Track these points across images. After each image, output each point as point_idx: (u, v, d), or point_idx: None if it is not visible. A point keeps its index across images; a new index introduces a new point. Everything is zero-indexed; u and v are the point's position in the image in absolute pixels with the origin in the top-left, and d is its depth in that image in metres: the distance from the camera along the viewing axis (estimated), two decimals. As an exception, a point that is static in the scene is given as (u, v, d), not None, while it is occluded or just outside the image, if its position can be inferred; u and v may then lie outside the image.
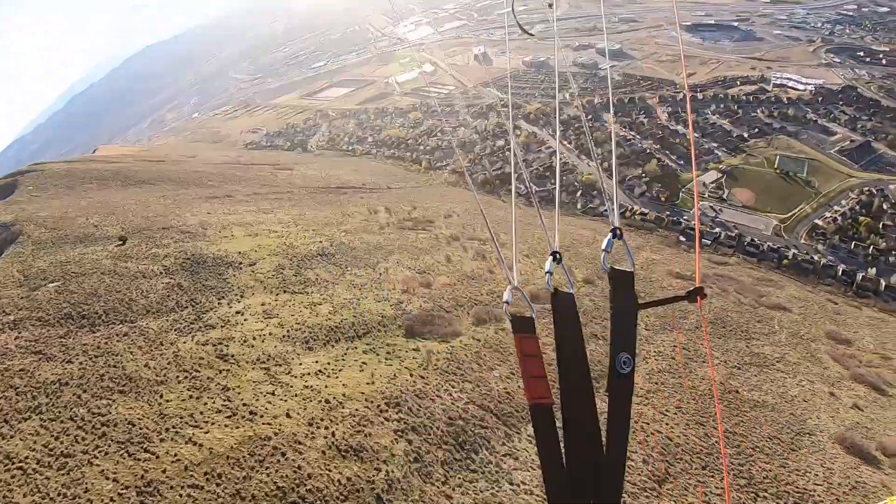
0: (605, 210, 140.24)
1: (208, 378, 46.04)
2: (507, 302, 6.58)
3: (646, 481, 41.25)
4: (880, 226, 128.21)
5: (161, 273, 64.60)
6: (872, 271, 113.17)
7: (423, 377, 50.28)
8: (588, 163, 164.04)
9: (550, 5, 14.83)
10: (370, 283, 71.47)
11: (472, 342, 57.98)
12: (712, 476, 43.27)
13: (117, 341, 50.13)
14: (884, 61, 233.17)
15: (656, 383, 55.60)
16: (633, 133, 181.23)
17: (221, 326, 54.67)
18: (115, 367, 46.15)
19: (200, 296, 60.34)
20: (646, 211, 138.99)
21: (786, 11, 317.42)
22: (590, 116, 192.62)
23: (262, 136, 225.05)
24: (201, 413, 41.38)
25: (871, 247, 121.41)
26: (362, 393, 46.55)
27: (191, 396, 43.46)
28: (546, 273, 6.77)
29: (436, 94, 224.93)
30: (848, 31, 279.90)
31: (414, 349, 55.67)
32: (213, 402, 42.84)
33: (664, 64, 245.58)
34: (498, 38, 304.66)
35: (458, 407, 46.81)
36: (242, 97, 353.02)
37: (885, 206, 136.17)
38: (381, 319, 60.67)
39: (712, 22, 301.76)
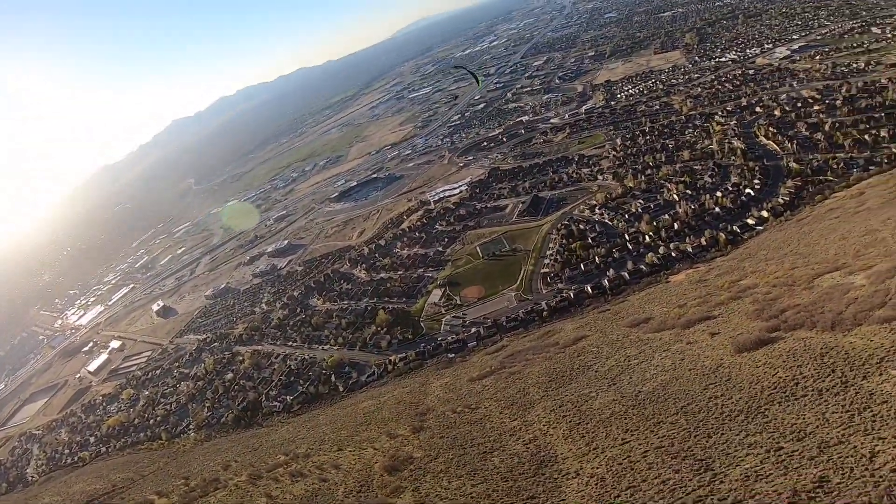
0: (367, 378, 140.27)
1: None
2: None
3: None
4: (589, 240, 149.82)
5: None
6: (612, 272, 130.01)
7: None
8: (322, 348, 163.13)
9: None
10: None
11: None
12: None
13: None
14: (504, 139, 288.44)
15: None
16: (346, 302, 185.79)
17: None
18: None
19: None
20: (403, 355, 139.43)
21: (408, 147, 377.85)
22: (298, 309, 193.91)
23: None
24: None
25: (595, 257, 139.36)
26: None
27: None
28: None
29: (136, 365, 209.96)
30: (463, 134, 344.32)
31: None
32: None
33: (333, 235, 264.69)
34: (171, 286, 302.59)
35: None
36: None
37: (581, 227, 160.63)
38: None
39: (355, 184, 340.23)
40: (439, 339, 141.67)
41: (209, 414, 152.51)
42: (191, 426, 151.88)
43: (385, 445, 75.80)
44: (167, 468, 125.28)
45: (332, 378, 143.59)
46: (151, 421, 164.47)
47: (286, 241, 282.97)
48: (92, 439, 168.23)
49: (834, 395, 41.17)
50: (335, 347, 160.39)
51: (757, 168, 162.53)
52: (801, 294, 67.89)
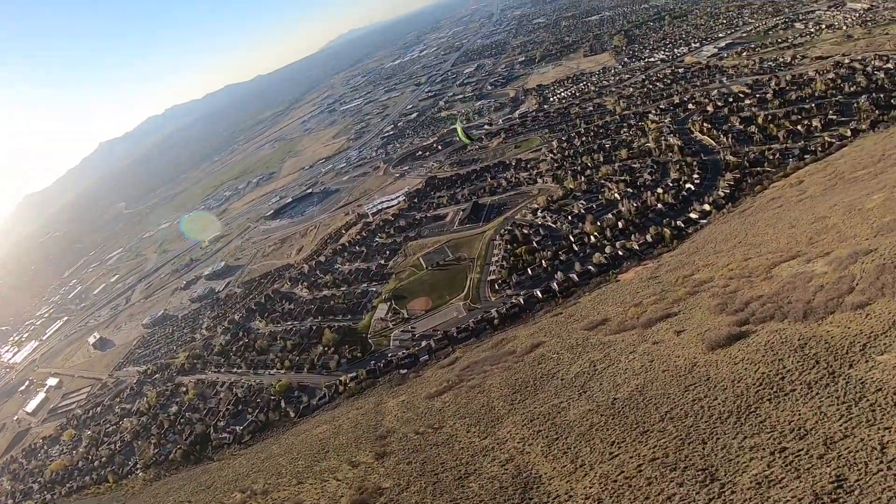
0: (319, 401, 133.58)
1: None
2: None
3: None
4: (534, 244, 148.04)
5: None
6: (560, 274, 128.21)
7: None
8: (268, 373, 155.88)
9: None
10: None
11: None
12: None
13: None
14: (439, 147, 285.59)
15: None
16: (289, 322, 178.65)
17: None
18: None
19: None
20: (354, 374, 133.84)
21: (342, 160, 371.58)
22: (240, 333, 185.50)
23: None
24: None
25: (541, 261, 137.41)
26: None
27: None
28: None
29: (76, 403, 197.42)
30: (397, 144, 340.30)
31: None
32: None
33: (271, 254, 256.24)
34: (107, 316, 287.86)
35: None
36: None
37: (525, 231, 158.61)
38: None
39: (290, 200, 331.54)
40: (389, 355, 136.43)
41: (156, 451, 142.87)
42: (138, 465, 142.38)
43: (349, 476, 70.30)
44: None
45: (282, 404, 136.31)
46: (96, 462, 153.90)
47: (223, 263, 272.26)
48: (35, 486, 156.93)
49: (824, 388, 38.59)
50: (282, 371, 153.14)
51: (695, 163, 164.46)
52: (762, 285, 66.23)
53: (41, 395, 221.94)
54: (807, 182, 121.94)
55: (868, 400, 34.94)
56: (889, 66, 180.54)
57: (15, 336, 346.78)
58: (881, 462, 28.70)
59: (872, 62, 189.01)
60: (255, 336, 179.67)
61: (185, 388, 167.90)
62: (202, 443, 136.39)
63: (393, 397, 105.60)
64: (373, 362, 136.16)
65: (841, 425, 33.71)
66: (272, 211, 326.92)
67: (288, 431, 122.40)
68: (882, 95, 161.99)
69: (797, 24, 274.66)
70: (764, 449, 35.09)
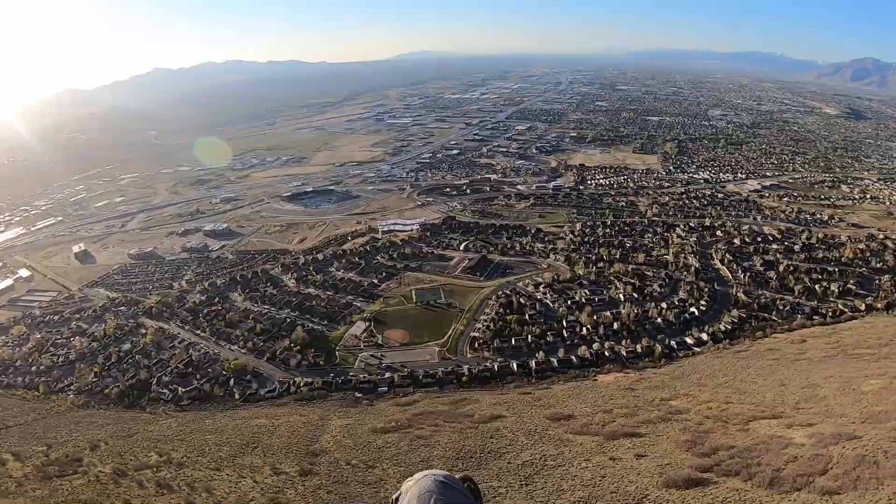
0: (267, 392, 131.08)
1: None
2: None
3: None
4: (526, 316, 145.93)
5: None
6: (541, 355, 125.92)
7: None
8: (229, 347, 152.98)
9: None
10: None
11: None
12: None
13: None
14: (468, 191, 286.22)
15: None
16: (266, 306, 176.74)
17: None
18: None
19: None
20: (310, 379, 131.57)
21: (373, 169, 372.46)
22: (217, 299, 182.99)
23: None
24: None
25: (528, 336, 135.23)
26: None
27: None
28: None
29: (38, 302, 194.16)
30: (430, 174, 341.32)
31: None
32: None
33: (274, 234, 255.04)
34: (99, 232, 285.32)
35: None
36: None
37: (522, 301, 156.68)
38: None
39: (310, 189, 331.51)
40: (351, 374, 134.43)
41: (95, 380, 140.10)
42: (72, 387, 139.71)
43: (267, 481, 67.44)
44: (34, 426, 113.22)
45: (231, 382, 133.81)
46: (34, 368, 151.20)
47: (225, 225, 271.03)
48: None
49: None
50: (243, 351, 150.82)
51: (706, 290, 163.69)
52: (736, 435, 64.19)
53: (8, 282, 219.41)
54: (809, 343, 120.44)
55: None
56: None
57: (6, 215, 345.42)
58: None
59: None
60: (230, 307, 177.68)
61: (144, 331, 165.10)
62: (141, 390, 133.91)
63: (339, 418, 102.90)
64: (332, 375, 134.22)
65: None
66: (290, 193, 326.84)
67: (227, 412, 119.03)
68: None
69: (843, 187, 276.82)
70: None
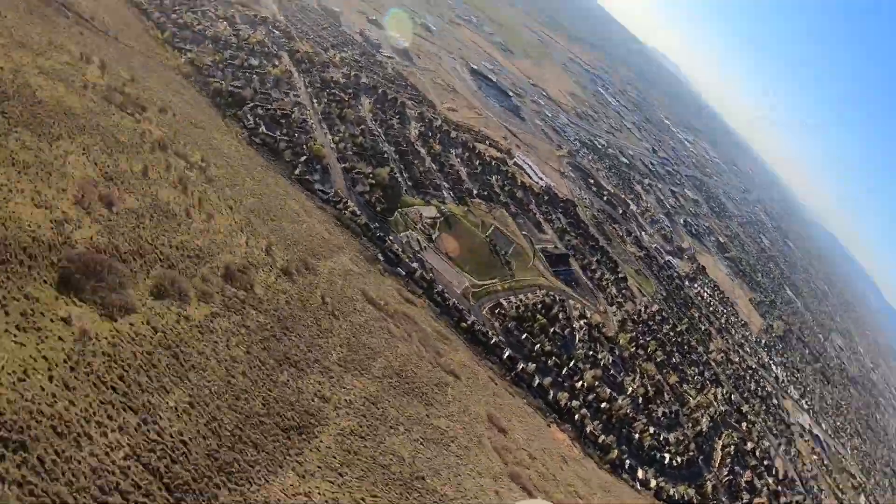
0: (319, 188, 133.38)
1: None
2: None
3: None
4: (551, 330, 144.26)
5: None
6: (532, 366, 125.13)
7: (68, 386, 34.57)
8: (325, 133, 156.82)
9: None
10: (37, 165, 52.53)
11: (146, 332, 44.51)
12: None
13: None
14: (605, 197, 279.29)
15: (349, 451, 51.49)
16: (380, 130, 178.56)
17: None
18: None
19: None
20: (358, 212, 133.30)
21: (553, 110, 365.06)
22: (350, 90, 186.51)
23: None
24: None
25: (538, 345, 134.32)
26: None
27: None
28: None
29: None
30: (590, 157, 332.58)
31: (63, 319, 39.50)
32: None
33: (436, 86, 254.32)
34: None
35: (113, 465, 33.37)
36: None
37: (560, 316, 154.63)
38: (31, 243, 43.24)
39: (494, 79, 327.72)
40: (389, 238, 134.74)
41: (209, 65, 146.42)
42: (190, 53, 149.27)
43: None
44: (134, 59, 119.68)
45: (304, 159, 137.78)
46: (174, 16, 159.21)
47: (406, 45, 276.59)
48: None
49: None
50: (332, 144, 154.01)
51: (693, 454, 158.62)
52: None
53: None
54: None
55: None
56: None
57: None
58: None
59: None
60: (354, 105, 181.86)
61: (277, 64, 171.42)
62: (234, 101, 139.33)
63: (350, 259, 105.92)
64: (376, 225, 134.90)
65: None
66: (476, 68, 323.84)
67: (279, 177, 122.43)
68: None
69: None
70: None
